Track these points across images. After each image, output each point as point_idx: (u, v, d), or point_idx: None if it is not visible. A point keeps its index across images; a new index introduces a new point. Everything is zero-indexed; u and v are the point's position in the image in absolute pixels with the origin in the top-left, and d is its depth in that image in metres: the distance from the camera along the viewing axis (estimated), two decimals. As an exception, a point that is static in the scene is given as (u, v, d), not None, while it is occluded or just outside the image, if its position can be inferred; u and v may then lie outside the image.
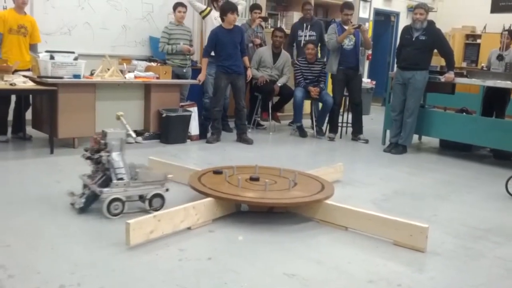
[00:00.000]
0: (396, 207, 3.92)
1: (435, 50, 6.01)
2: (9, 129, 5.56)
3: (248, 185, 3.58)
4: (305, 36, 7.30)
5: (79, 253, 2.74)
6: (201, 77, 6.21)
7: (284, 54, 7.17)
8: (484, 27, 10.89)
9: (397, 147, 6.06)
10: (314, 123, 7.05)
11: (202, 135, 6.21)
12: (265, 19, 7.73)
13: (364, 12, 10.50)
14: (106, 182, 3.30)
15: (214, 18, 6.58)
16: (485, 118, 5.98)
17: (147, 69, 6.06)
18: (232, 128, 6.77)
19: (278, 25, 8.41)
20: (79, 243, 2.89)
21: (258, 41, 7.19)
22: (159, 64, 6.31)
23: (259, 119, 7.38)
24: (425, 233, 3.00)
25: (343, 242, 3.13)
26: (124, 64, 6.00)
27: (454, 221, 3.67)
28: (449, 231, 3.42)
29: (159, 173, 3.54)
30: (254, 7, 7.20)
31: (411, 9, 8.19)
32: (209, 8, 6.82)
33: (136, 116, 5.80)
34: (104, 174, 3.34)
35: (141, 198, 3.42)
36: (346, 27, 6.52)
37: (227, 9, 5.93)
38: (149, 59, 6.77)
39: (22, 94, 5.40)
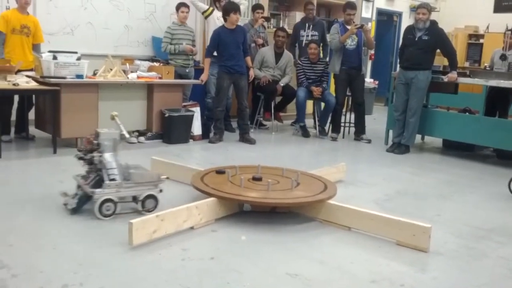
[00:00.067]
0: (399, 207, 3.91)
1: (438, 50, 6.01)
2: (12, 129, 5.57)
3: (251, 185, 3.58)
4: (307, 36, 7.30)
5: (82, 252, 2.75)
6: (204, 77, 6.22)
7: (287, 54, 7.16)
8: (487, 27, 10.86)
9: (400, 147, 6.05)
10: (317, 123, 7.04)
11: (205, 135, 6.21)
12: (267, 19, 7.73)
13: (366, 12, 10.49)
14: (99, 183, 3.27)
15: (217, 18, 6.59)
16: (488, 118, 5.96)
17: (150, 69, 6.07)
18: (234, 128, 6.77)
19: (281, 25, 8.41)
20: (82, 242, 2.89)
21: (260, 41, 7.19)
22: (161, 64, 6.31)
23: (261, 119, 7.38)
24: (428, 233, 2.99)
25: (346, 242, 3.13)
26: (127, 64, 6.01)
27: (457, 221, 3.67)
28: (452, 231, 3.42)
29: (153, 174, 3.51)
30: (256, 7, 7.20)
31: (414, 9, 8.19)
32: (211, 8, 6.83)
33: (139, 116, 5.81)
34: (97, 174, 3.32)
35: (135, 199, 3.39)
36: (348, 27, 6.51)
37: (230, 9, 5.94)
38: (152, 59, 6.78)
39: (25, 94, 5.41)
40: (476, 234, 3.41)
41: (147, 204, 3.36)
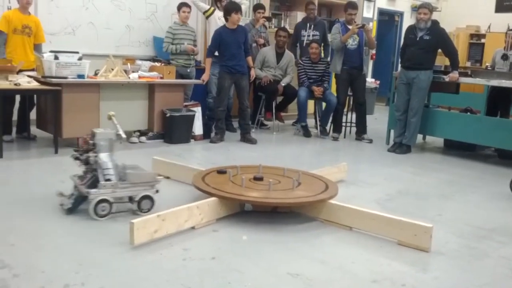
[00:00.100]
0: (400, 207, 3.91)
1: (439, 50, 6.00)
2: (14, 129, 5.58)
3: (252, 185, 3.58)
4: (309, 36, 7.30)
5: (83, 252, 2.75)
6: (205, 77, 6.22)
7: (288, 54, 7.16)
8: (489, 27, 10.85)
9: (401, 147, 6.05)
10: (318, 123, 7.04)
11: (206, 135, 6.21)
12: (268, 19, 7.73)
13: (368, 12, 10.48)
14: (95, 183, 3.26)
15: (218, 18, 6.59)
16: (489, 117, 5.96)
17: (151, 69, 6.07)
18: (236, 128, 6.77)
19: (282, 25, 8.40)
20: (83, 242, 2.89)
21: (261, 41, 7.19)
22: (163, 64, 6.31)
23: (262, 119, 7.38)
24: (429, 233, 2.99)
25: (347, 242, 3.12)
26: (128, 64, 6.01)
27: (458, 221, 3.66)
28: (453, 231, 3.41)
29: (149, 174, 3.49)
30: (257, 7, 7.20)
31: (415, 9, 8.18)
32: (212, 8, 6.83)
33: (140, 116, 5.81)
34: (93, 175, 3.31)
35: (131, 199, 3.37)
36: (350, 27, 6.50)
37: (231, 9, 5.94)
38: (153, 59, 6.78)
39: (27, 94, 5.42)
40: (477, 234, 3.41)
41: (143, 204, 3.34)
